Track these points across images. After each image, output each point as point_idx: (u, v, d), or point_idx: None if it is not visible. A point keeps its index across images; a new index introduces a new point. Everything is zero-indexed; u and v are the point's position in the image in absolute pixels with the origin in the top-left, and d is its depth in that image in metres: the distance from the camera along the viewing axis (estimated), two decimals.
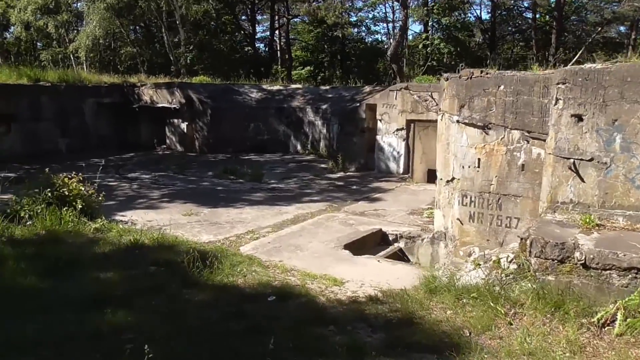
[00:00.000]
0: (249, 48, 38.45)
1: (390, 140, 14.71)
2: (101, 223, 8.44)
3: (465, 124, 7.78)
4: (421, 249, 8.55)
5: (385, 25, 47.18)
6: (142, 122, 20.56)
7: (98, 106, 20.20)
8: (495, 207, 7.69)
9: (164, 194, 11.79)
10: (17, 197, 8.59)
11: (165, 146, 20.20)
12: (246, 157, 18.16)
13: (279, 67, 40.05)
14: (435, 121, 14.46)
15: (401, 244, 8.68)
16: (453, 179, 8.07)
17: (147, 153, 19.19)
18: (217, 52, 37.65)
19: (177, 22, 32.24)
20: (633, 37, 28.87)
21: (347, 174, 14.93)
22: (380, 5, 30.60)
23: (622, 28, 32.83)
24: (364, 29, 39.73)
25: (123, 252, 7.10)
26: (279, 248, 7.74)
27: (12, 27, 35.05)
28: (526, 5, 35.28)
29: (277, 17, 38.06)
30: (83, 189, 9.01)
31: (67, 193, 8.80)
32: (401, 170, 14.57)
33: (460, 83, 7.78)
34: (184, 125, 19.44)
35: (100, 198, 9.18)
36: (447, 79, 8.02)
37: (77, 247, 7.21)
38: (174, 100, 19.49)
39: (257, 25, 39.62)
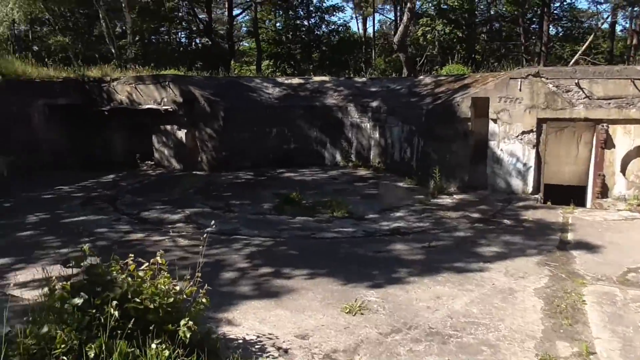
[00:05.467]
0: (206, 39, 32.83)
1: (512, 147, 10.72)
2: None
3: None
4: None
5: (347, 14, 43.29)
6: (115, 130, 15.01)
7: (50, 110, 14.42)
8: None
9: (245, 256, 6.89)
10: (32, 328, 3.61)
11: (152, 162, 14.79)
12: (281, 175, 13.37)
13: (234, 62, 34.87)
14: (580, 120, 10.51)
15: None
16: None
17: (130, 174, 13.77)
18: (166, 43, 31.77)
19: (123, 6, 26.21)
20: None
21: (457, 197, 10.72)
22: None
23: None
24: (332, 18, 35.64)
25: None
26: None
27: None
28: None
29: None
30: (167, 286, 4.18)
31: (148, 304, 3.93)
32: (529, 189, 10.63)
33: None
34: (181, 134, 14.17)
35: (203, 303, 4.35)
36: None
37: None
38: (165, 99, 14.17)
39: (212, 13, 33.97)
